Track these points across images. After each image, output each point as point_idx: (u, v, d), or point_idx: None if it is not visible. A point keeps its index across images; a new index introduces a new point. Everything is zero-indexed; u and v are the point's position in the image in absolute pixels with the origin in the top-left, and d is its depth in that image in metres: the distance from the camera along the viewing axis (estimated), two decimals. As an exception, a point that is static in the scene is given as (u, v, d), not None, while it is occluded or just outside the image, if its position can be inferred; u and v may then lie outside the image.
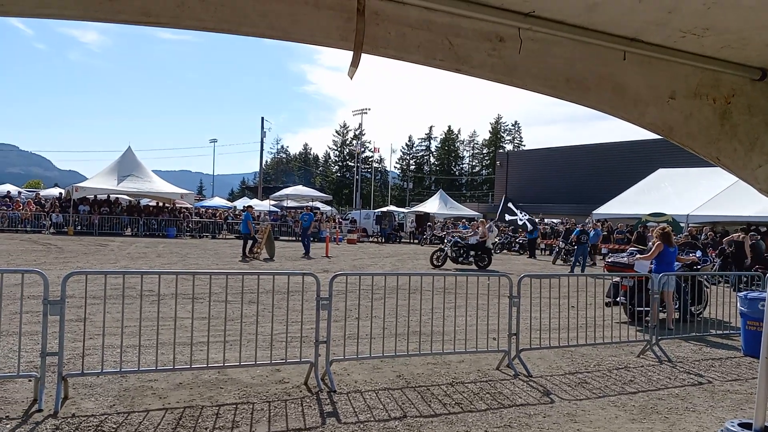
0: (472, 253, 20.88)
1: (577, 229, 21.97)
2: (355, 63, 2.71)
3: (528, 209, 28.18)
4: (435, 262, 20.55)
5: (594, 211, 30.12)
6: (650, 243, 10.51)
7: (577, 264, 20.65)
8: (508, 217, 25.75)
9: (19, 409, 4.88)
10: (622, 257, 12.30)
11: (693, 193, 26.11)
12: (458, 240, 21.29)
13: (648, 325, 8.19)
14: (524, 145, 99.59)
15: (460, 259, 20.70)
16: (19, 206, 30.56)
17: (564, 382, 6.45)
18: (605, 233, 27.63)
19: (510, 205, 26.54)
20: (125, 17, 2.34)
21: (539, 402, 5.71)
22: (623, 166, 47.53)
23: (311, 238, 24.28)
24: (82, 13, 2.30)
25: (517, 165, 65.08)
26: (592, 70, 3.01)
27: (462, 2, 2.57)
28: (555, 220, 37.99)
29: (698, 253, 12.40)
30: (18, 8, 2.30)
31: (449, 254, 20.75)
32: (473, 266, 20.75)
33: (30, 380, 5.39)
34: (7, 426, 4.52)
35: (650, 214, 25.07)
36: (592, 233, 24.35)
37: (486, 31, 2.74)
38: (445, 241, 22.17)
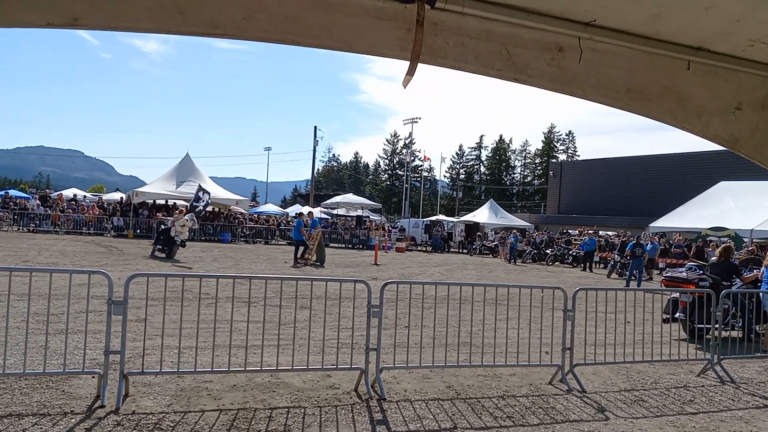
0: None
1: (632, 242, 21.37)
2: (411, 72, 2.74)
3: (582, 221, 27.76)
4: None
5: (651, 224, 29.25)
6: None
7: (633, 278, 20.05)
8: (195, 201, 26.56)
9: (83, 405, 5.08)
10: (681, 272, 11.88)
11: (757, 207, 25.01)
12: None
13: (709, 343, 7.87)
14: (578, 156, 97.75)
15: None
16: (84, 210, 31.89)
17: (619, 399, 6.27)
18: (663, 247, 26.78)
19: (201, 189, 27.49)
20: (194, 29, 2.44)
21: (593, 419, 5.57)
22: (682, 178, 46.13)
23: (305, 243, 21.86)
24: (155, 25, 2.41)
25: (571, 175, 63.93)
26: (654, 80, 2.95)
27: (522, 12, 2.57)
28: (610, 233, 37.04)
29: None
30: (95, 22, 2.43)
31: None
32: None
33: (93, 377, 5.62)
34: (72, 420, 4.71)
35: (711, 228, 24.18)
36: (649, 246, 23.63)
37: (546, 41, 2.73)
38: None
